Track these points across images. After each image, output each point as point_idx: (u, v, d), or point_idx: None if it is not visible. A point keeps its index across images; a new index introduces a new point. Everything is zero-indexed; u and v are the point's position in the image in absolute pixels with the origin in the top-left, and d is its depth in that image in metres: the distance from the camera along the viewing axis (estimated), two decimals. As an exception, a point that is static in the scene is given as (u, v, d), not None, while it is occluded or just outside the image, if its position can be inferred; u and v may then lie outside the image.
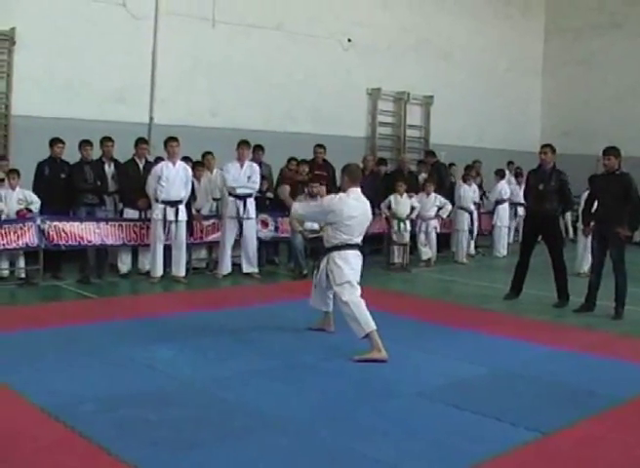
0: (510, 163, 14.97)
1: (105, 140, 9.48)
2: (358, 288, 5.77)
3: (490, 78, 16.38)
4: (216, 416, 4.36)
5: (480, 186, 13.18)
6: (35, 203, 8.65)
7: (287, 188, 6.42)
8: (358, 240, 5.90)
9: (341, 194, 5.89)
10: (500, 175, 13.26)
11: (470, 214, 12.10)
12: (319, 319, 6.44)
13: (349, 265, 5.79)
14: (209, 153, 10.30)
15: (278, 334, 6.34)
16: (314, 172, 10.81)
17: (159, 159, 9.66)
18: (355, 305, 5.64)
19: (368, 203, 6.00)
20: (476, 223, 12.32)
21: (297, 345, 6.04)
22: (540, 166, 8.37)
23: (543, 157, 8.29)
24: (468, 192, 12.11)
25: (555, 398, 4.91)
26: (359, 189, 5.94)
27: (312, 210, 6.11)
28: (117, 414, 4.27)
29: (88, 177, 9.05)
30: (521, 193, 11.61)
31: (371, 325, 5.61)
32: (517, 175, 14.10)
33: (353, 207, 5.82)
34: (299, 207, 6.10)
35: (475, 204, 12.36)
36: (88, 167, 9.10)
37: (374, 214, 11.10)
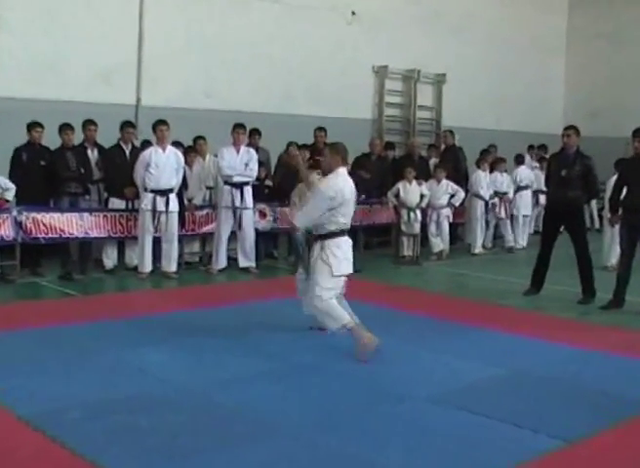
0: (531, 147, 14.99)
1: (88, 124, 9.49)
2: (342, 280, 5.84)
3: (508, 54, 16.32)
4: (213, 422, 4.39)
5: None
6: (10, 190, 8.58)
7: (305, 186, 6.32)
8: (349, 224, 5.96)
9: (331, 175, 5.85)
10: (518, 160, 13.28)
11: (485, 202, 12.12)
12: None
13: (346, 255, 5.84)
14: (202, 138, 10.30)
15: (278, 334, 6.37)
16: (315, 157, 10.81)
17: (147, 143, 9.68)
18: (330, 306, 5.72)
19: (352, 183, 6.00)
20: (502, 212, 12.32)
21: (299, 345, 6.07)
22: (563, 150, 8.38)
23: (566, 140, 8.28)
24: (482, 178, 12.13)
25: (580, 402, 4.92)
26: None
27: (315, 206, 5.79)
28: (106, 422, 4.30)
29: (70, 164, 9.05)
30: (543, 179, 11.62)
31: (347, 318, 5.69)
32: (540, 159, 14.10)
33: (349, 187, 5.86)
34: (301, 217, 5.93)
35: (500, 193, 12.29)
36: (70, 153, 9.11)
37: (381, 202, 11.49)
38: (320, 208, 5.74)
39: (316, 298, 5.73)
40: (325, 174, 5.97)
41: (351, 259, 5.90)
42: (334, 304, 5.74)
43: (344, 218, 5.84)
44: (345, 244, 5.87)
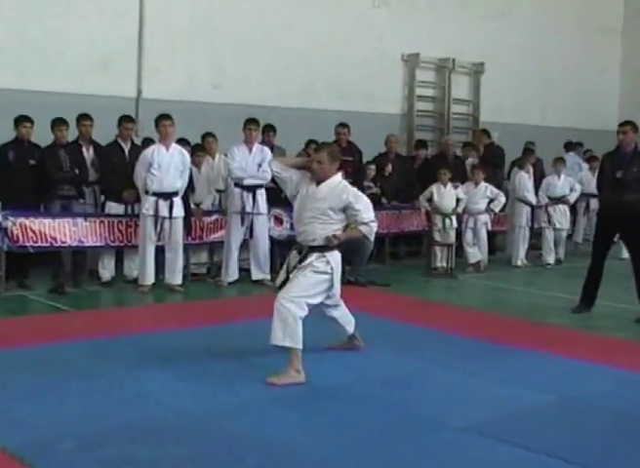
0: (578, 144, 14.92)
1: (83, 119, 9.52)
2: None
3: (554, 40, 16.22)
4: (221, 454, 4.36)
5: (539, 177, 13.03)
6: None
7: None
8: None
9: (329, 181, 5.92)
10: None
11: (531, 207, 12.04)
12: (342, 338, 6.46)
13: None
14: (211, 134, 10.33)
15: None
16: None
17: (148, 141, 9.69)
18: (296, 321, 5.68)
19: None
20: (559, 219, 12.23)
21: (319, 367, 6.00)
22: (619, 148, 8.34)
23: (622, 137, 8.24)
24: (527, 180, 12.05)
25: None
26: None
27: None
28: (101, 453, 4.28)
29: (63, 164, 9.08)
30: (594, 182, 11.54)
31: (300, 342, 5.67)
32: (590, 159, 14.02)
33: None
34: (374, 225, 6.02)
35: (554, 198, 12.19)
36: (63, 151, 9.14)
37: (411, 207, 11.46)
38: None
39: (283, 301, 5.67)
40: (319, 181, 5.94)
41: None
42: (300, 324, 5.70)
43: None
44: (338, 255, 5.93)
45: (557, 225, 12.24)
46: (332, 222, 5.84)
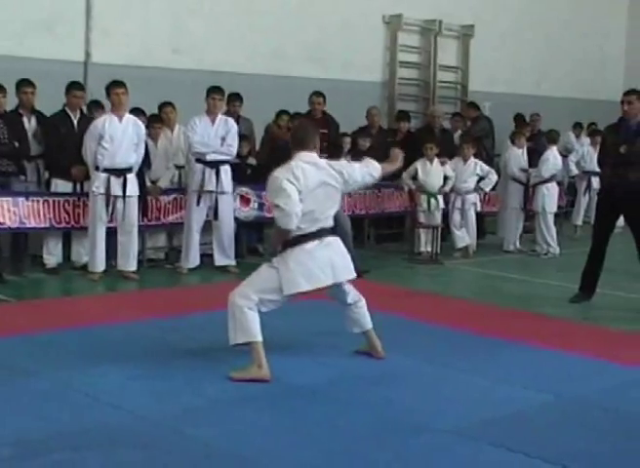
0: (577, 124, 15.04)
1: (23, 85, 9.39)
2: None
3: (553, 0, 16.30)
4: (183, 462, 4.34)
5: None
6: None
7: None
8: None
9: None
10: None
11: (525, 185, 12.05)
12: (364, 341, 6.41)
13: (305, 267, 5.90)
14: (169, 104, 10.29)
15: (267, 349, 6.30)
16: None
17: (95, 106, 9.65)
18: (243, 314, 5.74)
19: None
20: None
21: (293, 364, 6.04)
22: (623, 120, 8.36)
23: (627, 108, 8.26)
24: (519, 156, 12.08)
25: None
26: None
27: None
28: (44, 461, 4.24)
29: (0, 136, 8.97)
30: (595, 158, 11.60)
31: (258, 335, 5.71)
32: (592, 133, 14.09)
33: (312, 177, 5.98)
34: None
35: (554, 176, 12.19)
36: (0, 121, 9.02)
37: (393, 186, 11.46)
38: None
39: (232, 298, 5.78)
40: None
41: (321, 269, 5.86)
42: (248, 315, 5.74)
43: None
44: (306, 251, 5.84)
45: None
46: None
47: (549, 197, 11.76)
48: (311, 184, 5.77)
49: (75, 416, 4.91)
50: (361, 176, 6.09)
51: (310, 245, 5.84)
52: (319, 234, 5.88)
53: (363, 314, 6.17)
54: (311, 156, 5.92)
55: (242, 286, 5.87)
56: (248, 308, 5.72)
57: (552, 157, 11.73)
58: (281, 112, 11.09)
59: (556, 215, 12.51)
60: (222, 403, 5.22)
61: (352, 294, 6.11)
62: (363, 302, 6.16)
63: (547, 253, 11.63)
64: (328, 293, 6.15)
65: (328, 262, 5.88)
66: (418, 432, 4.84)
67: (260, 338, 5.70)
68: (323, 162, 5.97)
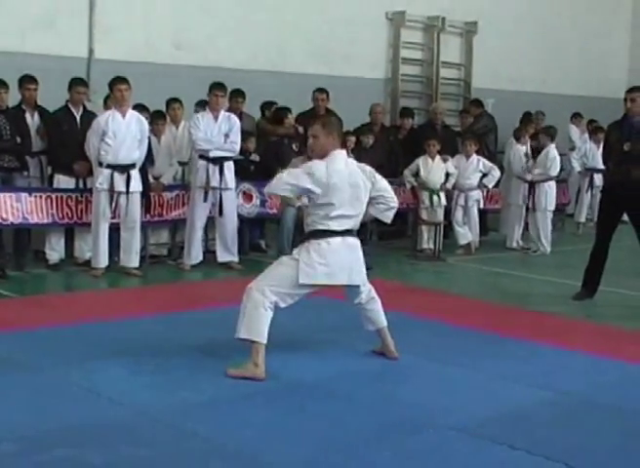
0: (576, 115, 14.96)
1: (26, 81, 9.41)
2: None
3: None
4: (182, 458, 4.33)
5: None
6: None
7: None
8: None
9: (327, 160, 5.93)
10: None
11: (528, 183, 12.02)
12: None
13: (326, 261, 5.88)
14: (177, 100, 10.32)
15: (269, 345, 6.28)
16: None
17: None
18: (258, 312, 5.71)
19: None
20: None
21: (295, 361, 6.03)
22: (626, 117, 8.34)
23: (630, 105, 8.24)
24: (521, 154, 12.05)
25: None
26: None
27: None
28: (46, 457, 4.23)
29: (3, 132, 9.01)
30: (599, 155, 11.60)
31: (264, 337, 5.69)
32: (594, 130, 14.06)
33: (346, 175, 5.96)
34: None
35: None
36: (2, 117, 9.05)
37: (394, 183, 11.41)
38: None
39: (249, 291, 5.73)
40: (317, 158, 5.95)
41: (340, 268, 5.86)
42: (261, 314, 5.70)
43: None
44: (330, 246, 5.83)
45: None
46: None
47: (551, 195, 11.75)
48: (339, 183, 5.76)
49: (76, 412, 4.91)
50: (388, 190, 6.19)
51: (335, 242, 5.83)
52: (343, 234, 5.88)
53: (377, 311, 6.16)
54: (343, 154, 5.96)
55: (260, 278, 5.82)
56: (263, 307, 5.68)
57: (557, 155, 11.71)
58: (266, 103, 11.09)
59: (560, 212, 12.52)
60: (223, 399, 5.22)
61: (364, 295, 6.10)
62: (376, 301, 6.15)
63: (537, 250, 11.63)
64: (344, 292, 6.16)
65: (347, 263, 5.88)
66: (419, 429, 4.84)
67: (264, 341, 5.67)
68: (354, 163, 6.02)
